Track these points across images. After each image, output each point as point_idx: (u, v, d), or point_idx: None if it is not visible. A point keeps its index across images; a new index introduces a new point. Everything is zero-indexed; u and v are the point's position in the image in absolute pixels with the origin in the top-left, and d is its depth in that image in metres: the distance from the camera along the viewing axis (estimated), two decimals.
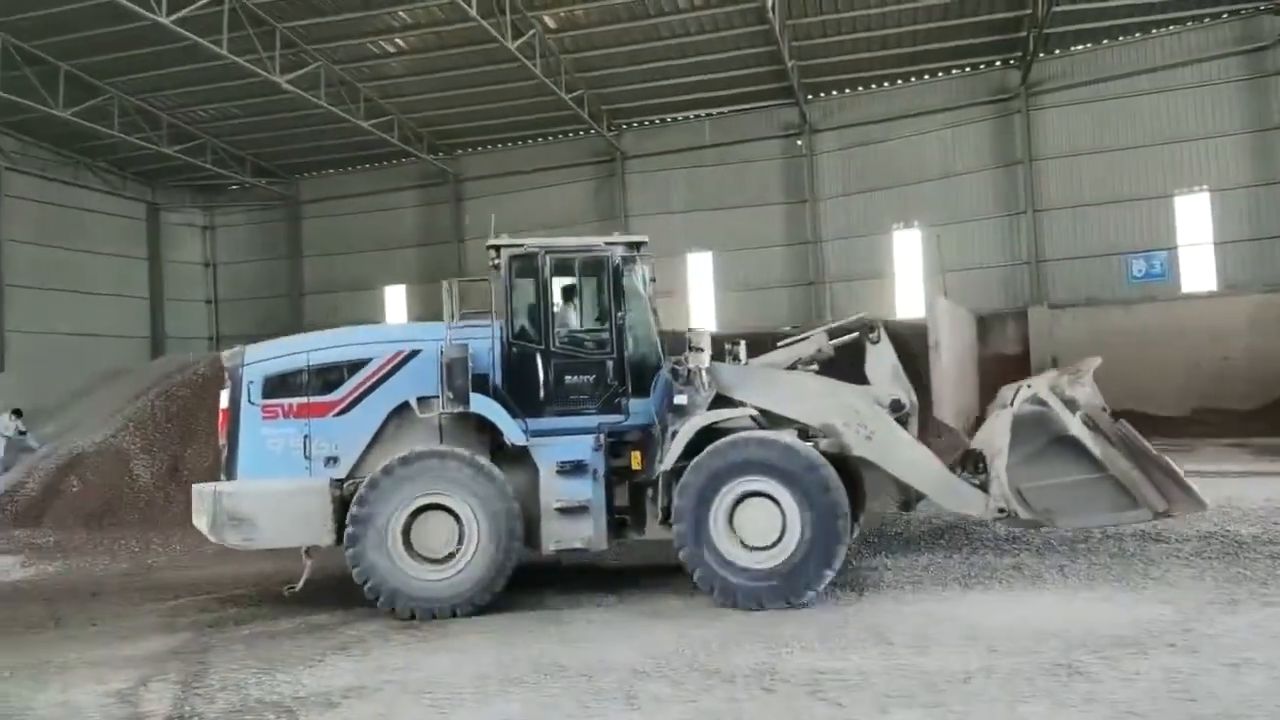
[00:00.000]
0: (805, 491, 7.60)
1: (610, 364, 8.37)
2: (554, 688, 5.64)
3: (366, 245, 32.66)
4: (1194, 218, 23.10)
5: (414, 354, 8.51)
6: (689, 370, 8.44)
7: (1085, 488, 7.18)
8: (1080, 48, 24.17)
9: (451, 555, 7.93)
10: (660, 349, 8.76)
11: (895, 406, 8.50)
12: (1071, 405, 7.38)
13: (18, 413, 18.98)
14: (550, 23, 23.19)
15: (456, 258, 31.12)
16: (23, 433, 18.67)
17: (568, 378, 8.34)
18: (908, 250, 26.35)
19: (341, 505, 8.09)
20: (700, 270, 28.70)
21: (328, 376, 8.42)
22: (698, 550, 7.71)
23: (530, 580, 9.17)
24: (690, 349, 8.54)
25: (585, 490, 8.17)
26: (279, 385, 8.38)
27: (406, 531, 7.95)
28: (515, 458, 8.28)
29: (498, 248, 8.62)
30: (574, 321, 8.63)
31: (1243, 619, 6.46)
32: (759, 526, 7.71)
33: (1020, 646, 6.00)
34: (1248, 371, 21.75)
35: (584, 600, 8.17)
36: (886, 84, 26.53)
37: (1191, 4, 22.24)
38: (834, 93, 27.18)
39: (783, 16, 22.51)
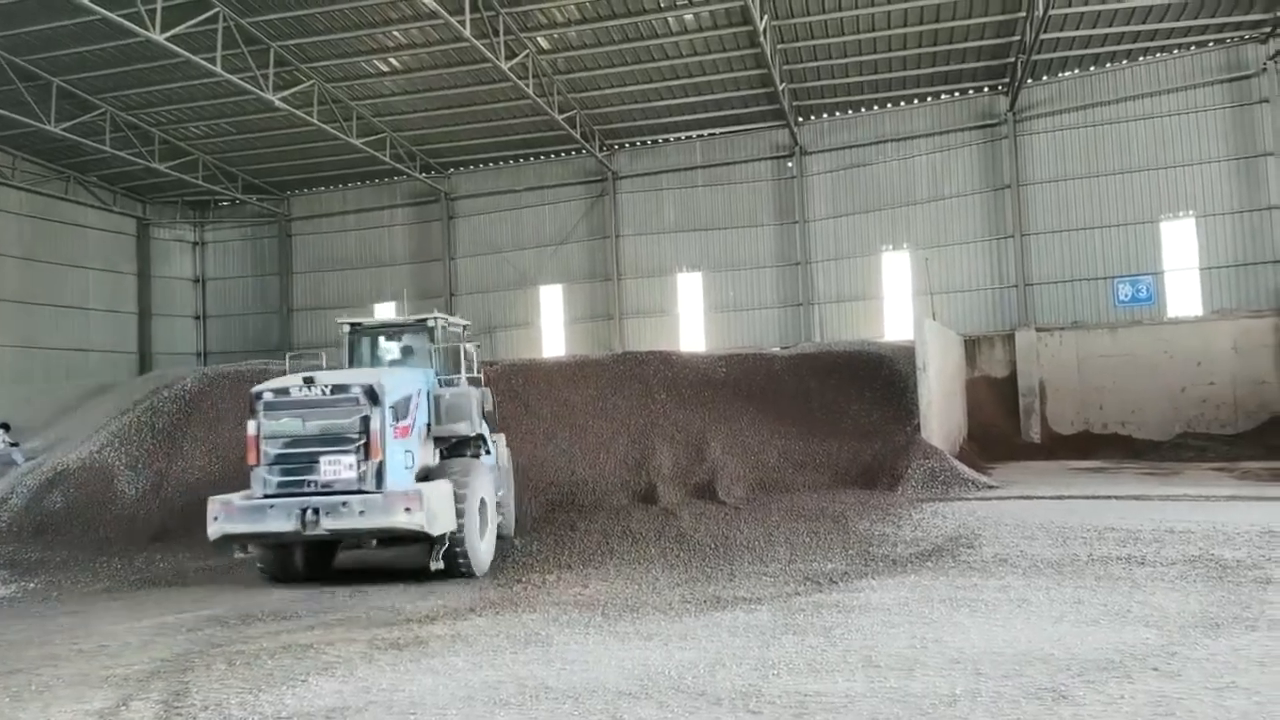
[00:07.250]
0: None
1: None
2: (540, 710, 5.61)
3: (357, 263, 32.73)
4: (1180, 243, 23.34)
5: None
6: None
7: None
8: (1068, 74, 24.47)
9: None
10: None
11: None
12: None
13: (5, 426, 18.89)
14: (543, 43, 23.34)
15: (447, 276, 31.20)
16: (14, 444, 18.58)
17: None
18: (896, 272, 26.55)
19: None
20: (690, 291, 28.81)
21: None
22: None
23: (506, 601, 9.13)
24: None
25: None
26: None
27: None
28: None
29: None
30: None
31: (1226, 643, 6.47)
32: None
33: (1006, 670, 6.01)
34: (1232, 396, 21.94)
35: (567, 621, 8.13)
36: (876, 108, 26.80)
37: (1178, 33, 22.54)
38: (825, 116, 27.42)
39: (774, 40, 22.73)
